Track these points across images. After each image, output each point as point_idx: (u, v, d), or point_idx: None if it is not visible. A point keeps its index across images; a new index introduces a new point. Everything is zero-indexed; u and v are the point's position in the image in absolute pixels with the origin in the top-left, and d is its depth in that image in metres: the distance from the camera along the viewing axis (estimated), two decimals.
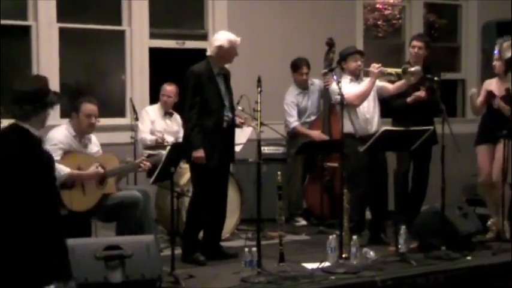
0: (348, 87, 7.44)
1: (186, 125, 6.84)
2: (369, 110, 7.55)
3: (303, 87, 8.85)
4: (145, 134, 7.98)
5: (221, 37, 6.85)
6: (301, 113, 8.85)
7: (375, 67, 7.46)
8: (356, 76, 7.63)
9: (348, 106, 7.29)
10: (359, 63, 7.62)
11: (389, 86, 7.68)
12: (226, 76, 6.95)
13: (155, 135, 7.97)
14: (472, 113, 8.30)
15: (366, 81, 7.55)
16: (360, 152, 7.03)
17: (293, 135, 8.75)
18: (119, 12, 8.74)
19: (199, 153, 6.63)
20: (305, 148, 8.20)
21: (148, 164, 6.61)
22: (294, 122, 8.74)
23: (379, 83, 7.60)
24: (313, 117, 8.86)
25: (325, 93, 8.62)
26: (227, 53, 6.82)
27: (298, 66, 8.78)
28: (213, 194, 6.79)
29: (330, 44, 8.65)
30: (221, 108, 6.80)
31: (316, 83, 8.86)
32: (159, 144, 7.75)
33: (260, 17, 9.38)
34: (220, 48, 6.79)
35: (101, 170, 6.38)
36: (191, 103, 6.73)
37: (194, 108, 6.70)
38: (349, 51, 7.76)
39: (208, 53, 6.90)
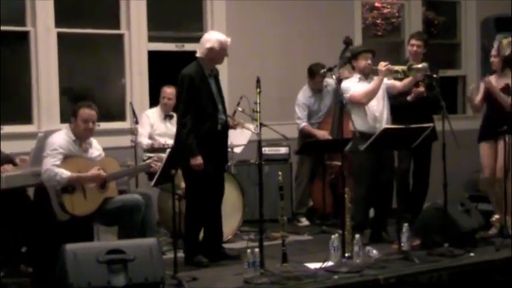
0: (357, 86, 7.44)
1: (181, 130, 6.72)
2: (378, 108, 7.52)
3: (317, 89, 8.83)
4: (142, 137, 7.94)
5: (212, 38, 6.77)
6: (312, 114, 8.86)
7: (382, 65, 7.44)
8: (366, 75, 7.59)
9: (356, 104, 7.30)
10: (369, 61, 7.59)
11: (398, 84, 7.66)
12: (217, 77, 6.91)
13: (154, 139, 7.95)
14: (471, 110, 8.26)
15: (374, 80, 7.53)
16: (363, 150, 7.03)
17: (304, 135, 8.75)
18: (117, 16, 8.73)
19: (198, 160, 6.58)
20: (306, 148, 8.20)
21: (159, 164, 6.57)
22: (301, 122, 8.76)
23: (388, 81, 7.58)
24: (323, 118, 8.87)
25: (336, 93, 8.55)
26: (218, 54, 6.76)
27: (314, 73, 8.74)
28: (209, 197, 6.77)
29: (347, 43, 8.56)
30: (215, 111, 6.75)
31: (330, 83, 8.80)
32: (157, 148, 7.72)
33: (258, 18, 9.37)
34: (210, 50, 6.73)
35: (102, 172, 6.36)
36: (185, 108, 6.67)
37: (189, 113, 6.64)
38: (360, 49, 7.78)
39: (198, 55, 6.82)
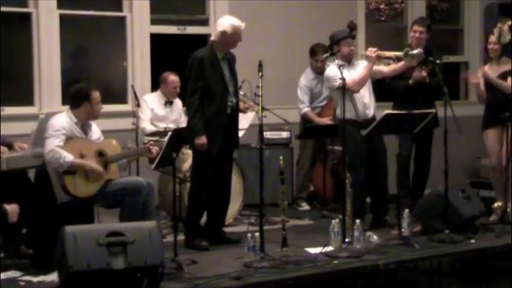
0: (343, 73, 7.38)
1: (187, 110, 6.82)
2: (365, 94, 7.50)
3: (319, 72, 8.80)
4: (145, 123, 7.91)
5: (225, 22, 6.80)
6: (314, 97, 8.83)
7: (371, 51, 7.38)
8: (348, 61, 7.54)
9: (347, 92, 7.26)
10: (352, 48, 7.55)
11: (384, 69, 7.57)
12: (231, 61, 6.92)
13: (155, 125, 7.91)
14: (479, 101, 8.17)
15: (363, 67, 7.45)
16: (358, 137, 7.02)
17: (306, 119, 8.74)
18: None
19: (202, 140, 6.63)
20: (307, 132, 8.20)
21: (157, 148, 6.56)
22: (304, 107, 8.73)
23: (374, 66, 7.51)
24: (325, 102, 8.84)
25: None
26: (230, 38, 6.78)
27: (315, 52, 8.73)
28: (215, 180, 6.78)
29: (351, 27, 8.51)
30: (224, 94, 6.77)
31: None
32: (159, 132, 7.69)
33: (261, 1, 9.33)
34: (223, 33, 6.75)
35: (104, 174, 6.34)
36: (193, 89, 6.72)
37: (196, 94, 6.69)
38: (342, 35, 7.62)
39: (212, 38, 6.87)
